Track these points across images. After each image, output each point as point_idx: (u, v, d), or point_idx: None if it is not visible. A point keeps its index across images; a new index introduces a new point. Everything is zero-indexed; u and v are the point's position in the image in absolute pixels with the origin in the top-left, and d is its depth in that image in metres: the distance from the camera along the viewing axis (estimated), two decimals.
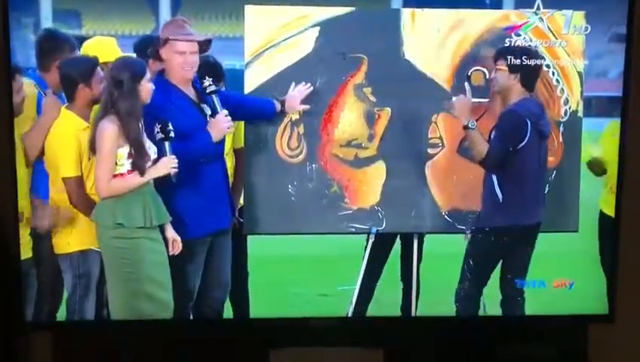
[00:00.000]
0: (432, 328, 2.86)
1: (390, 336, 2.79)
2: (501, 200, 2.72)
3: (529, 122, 2.68)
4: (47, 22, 2.55)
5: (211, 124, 2.58)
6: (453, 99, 2.67)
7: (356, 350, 2.76)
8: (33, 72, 2.57)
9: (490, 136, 2.69)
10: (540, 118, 2.71)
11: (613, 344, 2.89)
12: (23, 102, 2.53)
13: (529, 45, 2.66)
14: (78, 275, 2.61)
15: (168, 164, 2.50)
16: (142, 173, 2.48)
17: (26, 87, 2.54)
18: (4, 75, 2.52)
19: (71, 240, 2.60)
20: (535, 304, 2.79)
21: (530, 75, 2.69)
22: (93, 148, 2.49)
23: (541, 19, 2.65)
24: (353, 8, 2.63)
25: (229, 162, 2.71)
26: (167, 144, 2.49)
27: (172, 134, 2.48)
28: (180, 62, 2.53)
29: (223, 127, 2.58)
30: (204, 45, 2.56)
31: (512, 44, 2.65)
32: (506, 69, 2.67)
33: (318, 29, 2.63)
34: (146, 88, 2.48)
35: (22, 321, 2.62)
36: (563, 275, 2.77)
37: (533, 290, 2.78)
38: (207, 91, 2.56)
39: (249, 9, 2.59)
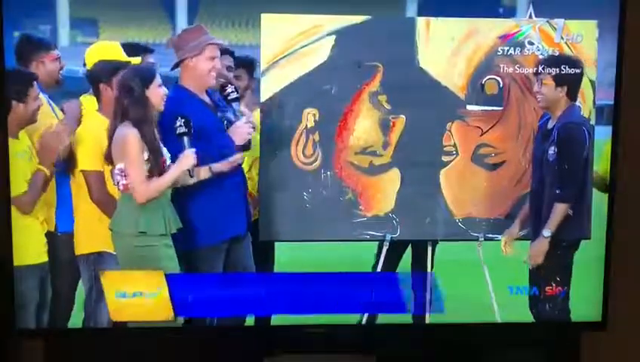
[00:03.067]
0: (425, 334, 2.87)
1: (383, 342, 2.81)
2: (572, 214, 2.73)
3: (585, 130, 2.70)
4: (64, 29, 2.57)
5: (233, 130, 2.61)
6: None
7: (348, 356, 2.77)
8: None
9: (547, 153, 2.70)
10: (588, 122, 2.73)
11: (606, 351, 2.91)
12: (38, 110, 2.54)
13: (569, 55, 2.67)
14: (94, 277, 2.62)
15: (191, 157, 2.52)
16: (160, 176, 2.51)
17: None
18: None
19: (89, 241, 2.61)
20: (527, 310, 2.81)
21: (575, 86, 2.69)
22: (110, 158, 2.51)
23: (547, 23, 2.66)
24: (368, 17, 2.64)
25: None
26: (186, 139, 2.52)
27: (192, 130, 2.51)
28: (210, 68, 2.57)
29: (243, 132, 2.61)
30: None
31: (553, 55, 2.67)
32: (552, 82, 2.68)
33: (333, 37, 2.64)
34: (156, 93, 2.50)
35: (13, 327, 2.62)
36: (556, 282, 2.79)
37: (525, 297, 2.79)
38: (229, 98, 2.59)
39: (265, 17, 2.60)
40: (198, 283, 2.64)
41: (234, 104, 2.60)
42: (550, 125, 2.73)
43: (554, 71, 2.67)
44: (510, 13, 2.69)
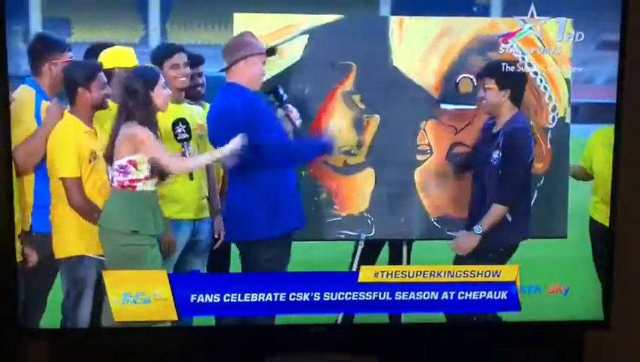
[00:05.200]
0: (426, 334, 2.86)
1: (384, 342, 2.80)
2: (511, 220, 2.73)
3: (531, 135, 2.70)
4: (36, 30, 2.56)
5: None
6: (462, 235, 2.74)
7: (349, 356, 2.76)
8: (30, 79, 2.59)
9: (490, 157, 2.70)
10: (531, 127, 2.72)
11: (609, 350, 2.90)
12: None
13: (515, 59, 2.67)
14: (72, 281, 2.62)
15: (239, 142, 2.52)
16: (162, 178, 2.55)
17: (20, 93, 2.56)
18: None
19: (68, 245, 2.61)
20: (530, 310, 2.78)
21: (519, 90, 2.69)
22: (110, 158, 2.53)
23: (532, 27, 2.66)
24: (341, 16, 2.64)
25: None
26: (187, 144, 2.56)
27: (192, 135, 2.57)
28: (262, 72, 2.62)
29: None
30: None
31: (498, 60, 2.66)
32: (495, 86, 2.68)
33: (306, 36, 2.64)
34: (161, 95, 2.52)
35: (16, 326, 2.63)
36: (558, 281, 2.78)
37: (528, 296, 2.77)
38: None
39: (238, 17, 2.60)
40: (199, 283, 2.64)
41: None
42: (495, 130, 2.72)
43: (497, 76, 2.66)
44: (484, 11, 2.68)
